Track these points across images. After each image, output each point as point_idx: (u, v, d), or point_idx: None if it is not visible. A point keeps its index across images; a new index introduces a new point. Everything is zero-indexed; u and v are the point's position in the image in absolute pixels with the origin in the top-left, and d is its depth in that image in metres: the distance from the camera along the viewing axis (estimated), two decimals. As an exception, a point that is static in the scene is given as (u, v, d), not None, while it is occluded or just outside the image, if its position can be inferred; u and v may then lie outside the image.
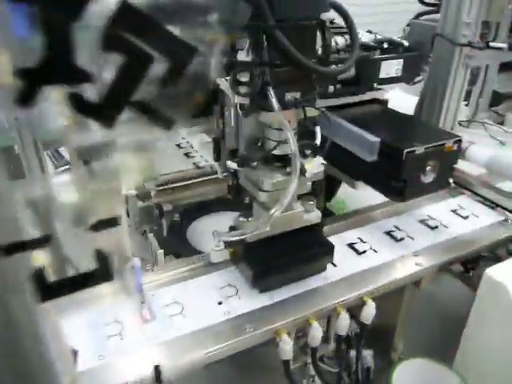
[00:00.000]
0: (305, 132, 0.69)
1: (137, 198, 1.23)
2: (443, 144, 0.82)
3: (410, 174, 0.81)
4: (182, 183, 1.21)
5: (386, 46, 0.96)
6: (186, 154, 1.26)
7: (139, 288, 0.69)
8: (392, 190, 0.82)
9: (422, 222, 0.96)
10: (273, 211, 0.62)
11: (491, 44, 0.95)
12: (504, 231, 0.94)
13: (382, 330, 0.95)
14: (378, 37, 1.00)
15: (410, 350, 0.99)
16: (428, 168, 0.82)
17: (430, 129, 0.93)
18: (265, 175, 0.69)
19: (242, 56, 0.60)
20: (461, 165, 1.11)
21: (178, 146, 1.32)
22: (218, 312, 0.72)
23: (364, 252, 0.87)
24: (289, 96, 0.63)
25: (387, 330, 0.94)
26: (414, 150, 0.79)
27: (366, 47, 0.95)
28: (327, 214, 1.39)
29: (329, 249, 0.78)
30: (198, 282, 0.80)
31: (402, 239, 0.91)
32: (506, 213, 0.98)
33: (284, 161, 0.69)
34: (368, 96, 0.99)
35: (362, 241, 0.90)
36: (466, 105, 1.95)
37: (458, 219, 0.98)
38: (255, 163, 0.68)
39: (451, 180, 1.07)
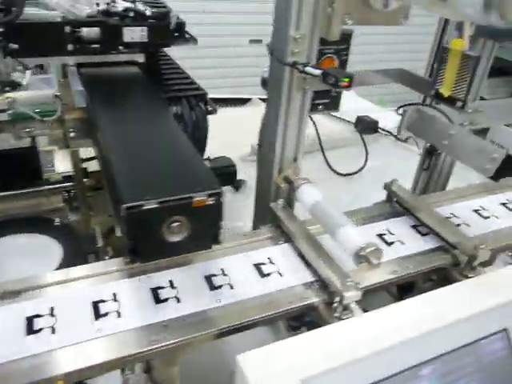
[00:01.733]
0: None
1: None
2: (190, 198, 0.65)
3: (141, 232, 0.64)
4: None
5: (132, 14, 1.04)
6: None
7: None
8: (127, 247, 0.66)
9: (208, 278, 0.80)
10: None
11: (306, 69, 0.77)
12: (305, 297, 0.78)
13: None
14: (139, 6, 1.07)
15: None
16: (173, 225, 0.65)
17: (191, 169, 0.71)
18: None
19: None
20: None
21: None
22: None
23: (106, 314, 0.72)
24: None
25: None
26: (141, 205, 0.62)
27: (117, 14, 1.05)
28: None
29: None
30: None
31: (165, 300, 0.75)
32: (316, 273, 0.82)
33: None
34: (125, 57, 1.11)
35: (114, 299, 0.74)
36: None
37: (255, 276, 0.81)
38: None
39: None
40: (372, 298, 1.11)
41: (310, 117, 1.79)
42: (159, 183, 0.66)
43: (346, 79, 0.71)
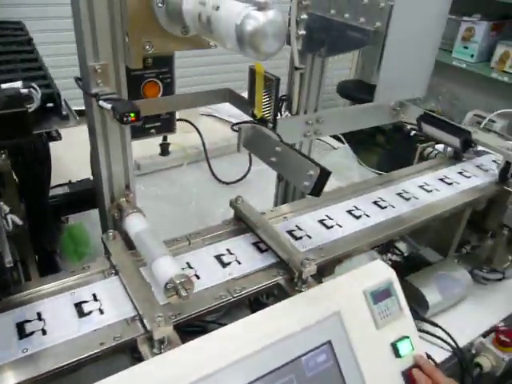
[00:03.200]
0: None
1: None
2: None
3: None
4: None
5: None
6: None
7: None
8: None
9: (20, 325, 0.76)
10: None
11: (99, 102, 0.75)
12: (118, 336, 0.76)
13: None
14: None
15: None
16: None
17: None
18: None
19: None
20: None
21: None
22: None
23: None
24: None
25: None
26: None
27: None
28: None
29: None
30: None
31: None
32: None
33: None
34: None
35: None
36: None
37: (73, 317, 0.79)
38: None
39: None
40: (237, 312, 1.12)
41: (193, 126, 1.79)
42: None
43: (132, 114, 0.70)
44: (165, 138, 1.74)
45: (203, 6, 0.65)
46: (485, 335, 1.19)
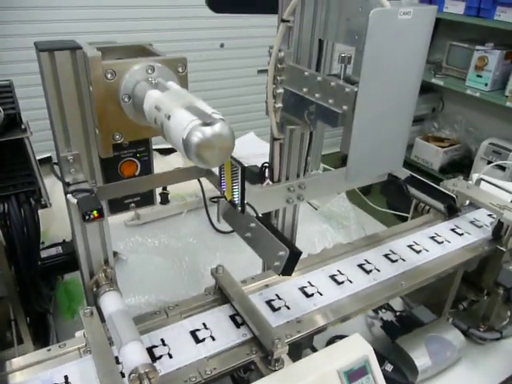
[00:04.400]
0: None
1: None
2: None
3: None
4: None
5: None
6: None
7: None
8: None
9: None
10: None
11: (67, 196, 0.77)
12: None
13: None
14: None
15: None
16: None
17: None
18: None
19: None
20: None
21: None
22: None
23: None
24: None
25: None
26: None
27: None
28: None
29: None
30: None
31: None
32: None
33: None
34: None
35: None
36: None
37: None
38: None
39: None
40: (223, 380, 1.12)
41: (193, 174, 1.81)
42: None
43: (95, 212, 0.72)
44: (164, 188, 1.77)
45: (158, 112, 0.68)
46: (478, 402, 1.15)
